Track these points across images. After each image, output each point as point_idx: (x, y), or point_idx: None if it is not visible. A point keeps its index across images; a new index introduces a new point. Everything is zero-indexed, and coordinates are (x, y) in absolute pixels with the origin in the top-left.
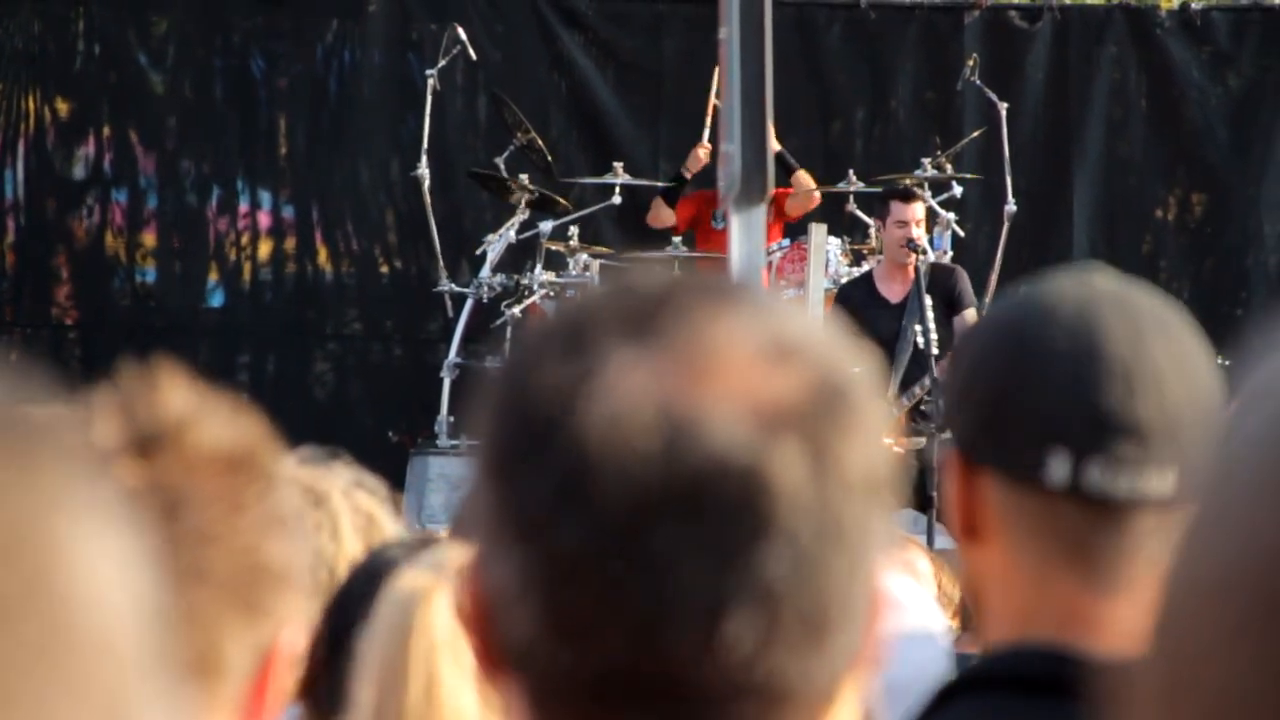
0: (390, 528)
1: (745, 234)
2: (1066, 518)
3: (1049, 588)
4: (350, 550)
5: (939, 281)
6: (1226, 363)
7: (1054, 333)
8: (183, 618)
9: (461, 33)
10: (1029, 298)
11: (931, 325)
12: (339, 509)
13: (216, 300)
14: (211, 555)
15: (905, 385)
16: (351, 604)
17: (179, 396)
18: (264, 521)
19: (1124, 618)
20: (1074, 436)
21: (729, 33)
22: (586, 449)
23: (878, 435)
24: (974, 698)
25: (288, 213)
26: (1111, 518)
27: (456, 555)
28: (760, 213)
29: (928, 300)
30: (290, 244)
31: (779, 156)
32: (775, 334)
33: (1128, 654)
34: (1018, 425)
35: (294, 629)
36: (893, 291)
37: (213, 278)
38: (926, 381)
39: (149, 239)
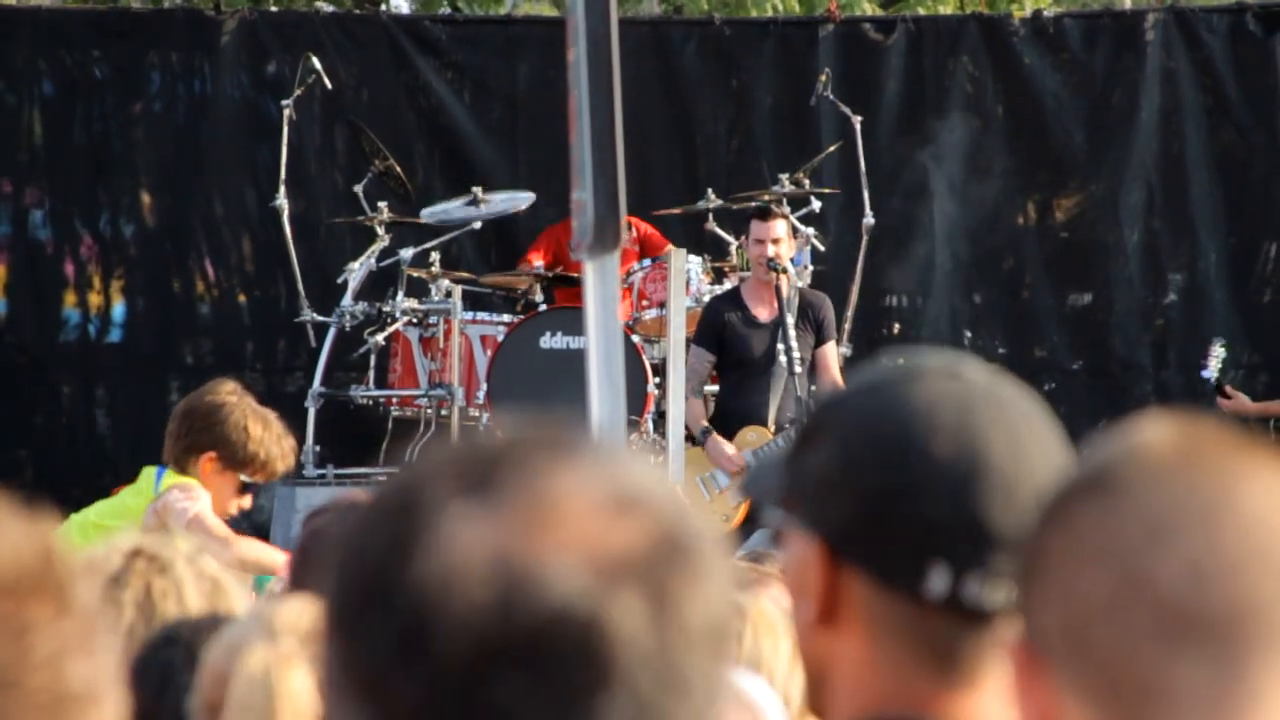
0: (236, 593)
1: (600, 280)
2: (937, 625)
3: (906, 680)
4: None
5: (808, 308)
6: (1074, 368)
7: (937, 442)
8: None
9: (316, 62)
10: (904, 395)
11: (795, 346)
12: (183, 576)
13: (73, 334)
14: (8, 701)
15: (781, 408)
16: (151, 677)
17: None
18: (62, 646)
19: (978, 708)
20: (956, 551)
21: (577, 55)
22: (423, 602)
23: (720, 586)
24: None
25: (143, 244)
26: (981, 625)
27: (281, 615)
28: (614, 260)
29: (790, 319)
30: (146, 276)
31: None
32: (616, 486)
33: None
34: (899, 535)
35: None
36: (761, 311)
37: (69, 310)
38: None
39: (2, 272)
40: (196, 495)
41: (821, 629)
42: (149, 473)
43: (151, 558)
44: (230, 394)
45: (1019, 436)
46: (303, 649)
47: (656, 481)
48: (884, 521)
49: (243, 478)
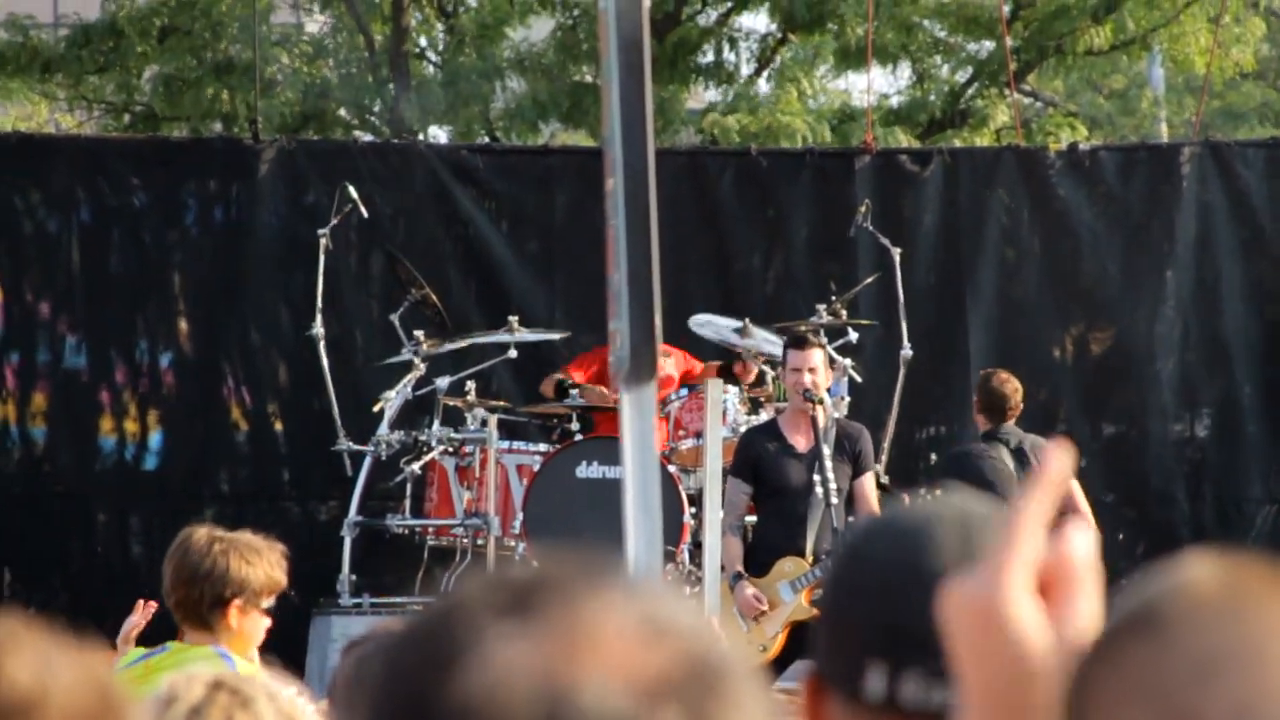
0: None
1: (636, 412)
2: None
3: None
4: None
5: (845, 439)
6: (1109, 499)
7: (883, 544)
8: None
9: (353, 191)
10: (883, 516)
11: (831, 475)
12: (264, 712)
13: (109, 461)
14: None
15: (819, 538)
16: None
17: (26, 665)
18: None
19: None
20: (889, 649)
21: (615, 185)
22: (467, 718)
23: (756, 714)
24: None
25: (179, 371)
26: None
27: None
28: (651, 390)
29: (826, 450)
30: (182, 403)
31: None
32: (651, 614)
33: None
34: (841, 636)
35: None
36: (799, 440)
37: (104, 438)
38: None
39: (40, 399)
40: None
41: None
42: (208, 654)
43: (234, 691)
44: (211, 540)
45: (972, 539)
46: None
47: (690, 611)
48: (831, 625)
49: (265, 605)
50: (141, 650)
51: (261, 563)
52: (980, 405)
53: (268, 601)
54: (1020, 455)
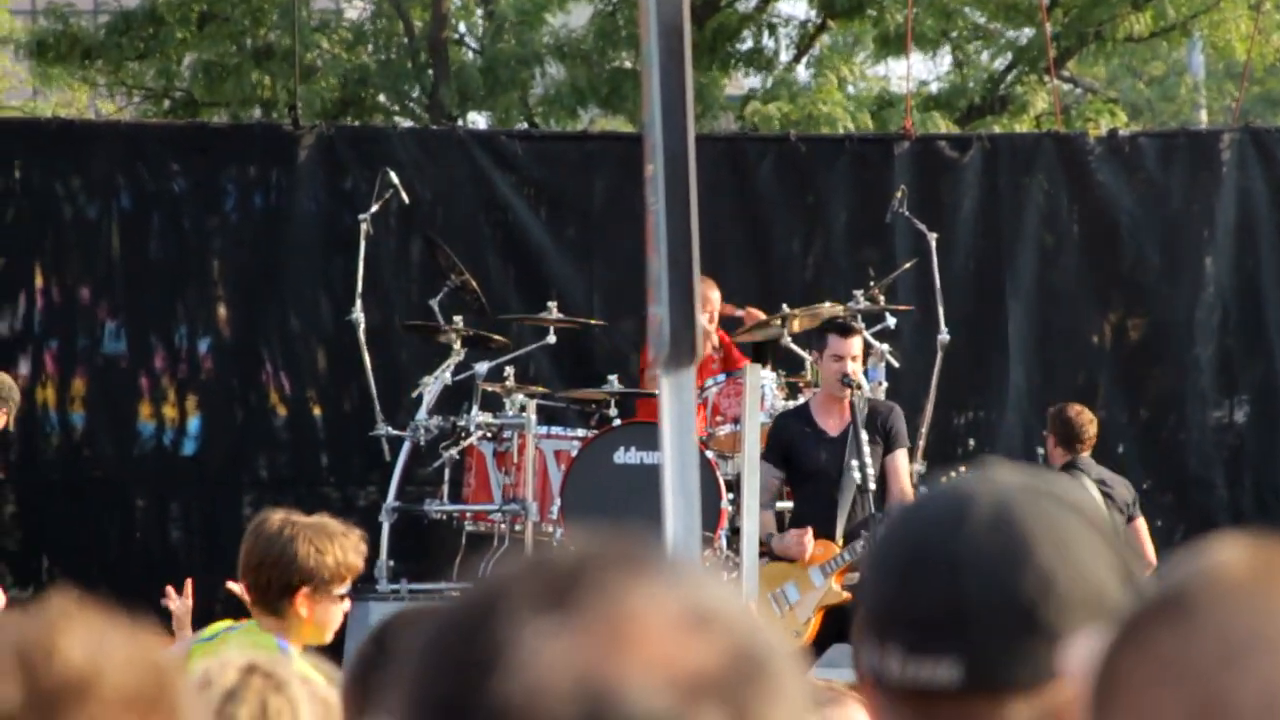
0: None
1: (676, 396)
2: (887, 710)
3: None
4: None
5: (876, 418)
6: (1146, 486)
7: (890, 530)
8: None
9: (393, 176)
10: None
11: (869, 461)
12: (298, 695)
13: (147, 446)
14: None
15: (850, 521)
16: None
17: (79, 643)
18: None
19: None
20: (876, 624)
21: (655, 171)
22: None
23: (798, 702)
24: None
25: (218, 357)
26: (915, 707)
27: None
28: (690, 375)
29: (864, 435)
30: (221, 388)
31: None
32: (693, 603)
33: None
34: (858, 616)
35: None
36: (830, 424)
37: (143, 423)
38: (864, 532)
39: (79, 385)
40: None
41: None
42: (270, 643)
43: (267, 675)
44: (284, 524)
45: (963, 519)
46: None
47: (731, 597)
48: (856, 607)
49: (338, 591)
50: (228, 622)
51: (333, 549)
52: (1056, 439)
53: (341, 588)
54: (1102, 485)
